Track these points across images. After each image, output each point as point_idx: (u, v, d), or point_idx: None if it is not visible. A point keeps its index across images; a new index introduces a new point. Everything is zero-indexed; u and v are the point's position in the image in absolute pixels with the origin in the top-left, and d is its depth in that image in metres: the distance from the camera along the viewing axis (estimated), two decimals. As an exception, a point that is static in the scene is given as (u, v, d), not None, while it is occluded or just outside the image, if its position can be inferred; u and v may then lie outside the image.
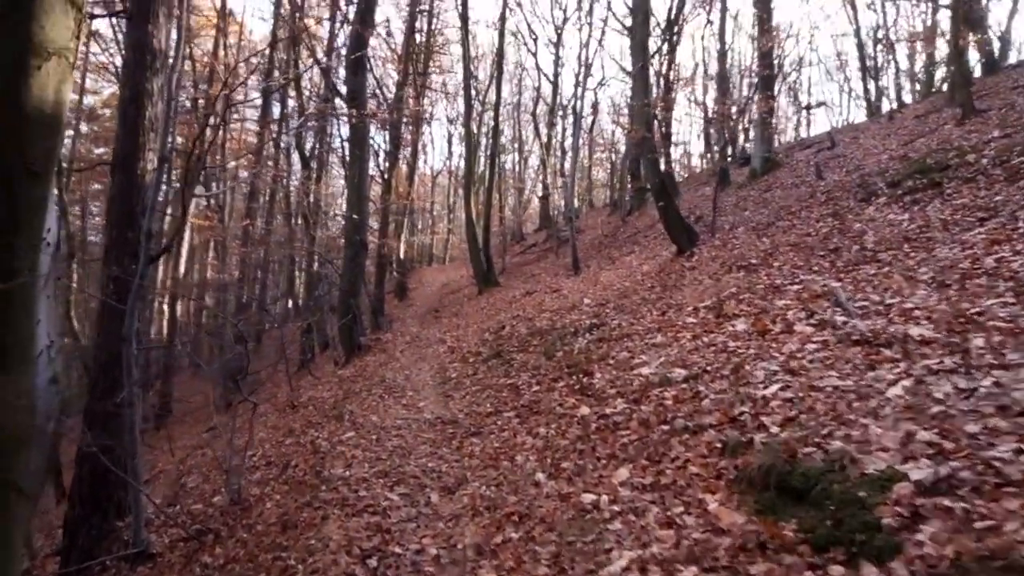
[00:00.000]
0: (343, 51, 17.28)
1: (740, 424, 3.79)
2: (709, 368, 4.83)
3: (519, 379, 7.13)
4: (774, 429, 3.55)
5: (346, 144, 19.62)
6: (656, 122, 14.62)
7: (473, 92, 23.29)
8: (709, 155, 27.36)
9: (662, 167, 16.47)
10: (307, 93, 24.05)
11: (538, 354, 7.90)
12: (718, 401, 4.16)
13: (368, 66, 16.11)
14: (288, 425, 9.95)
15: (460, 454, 5.29)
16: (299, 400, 12.21)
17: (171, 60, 6.34)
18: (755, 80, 23.12)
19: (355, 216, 13.84)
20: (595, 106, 30.58)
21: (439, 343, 12.97)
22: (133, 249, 6.39)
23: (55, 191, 4.43)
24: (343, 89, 16.08)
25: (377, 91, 24.13)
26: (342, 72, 17.44)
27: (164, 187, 6.96)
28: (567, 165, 32.84)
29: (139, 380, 6.10)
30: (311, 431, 8.16)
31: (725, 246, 11.04)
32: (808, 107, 15.73)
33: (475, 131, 25.56)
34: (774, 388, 4.04)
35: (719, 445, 3.66)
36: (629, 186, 25.46)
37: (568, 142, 33.47)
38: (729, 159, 17.79)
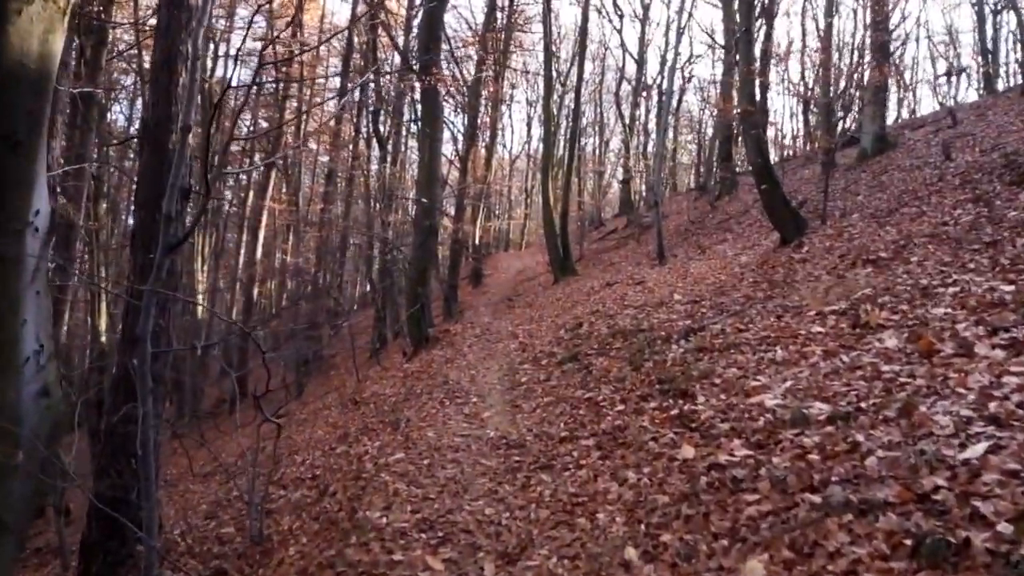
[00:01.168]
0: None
1: (937, 506, 2.54)
2: (863, 404, 3.55)
3: (599, 393, 5.99)
4: (1002, 527, 2.29)
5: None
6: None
7: (554, 73, 22.08)
8: (806, 135, 25.14)
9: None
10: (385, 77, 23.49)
11: (621, 361, 6.72)
12: (890, 462, 2.90)
13: (443, 37, 15.20)
14: (345, 426, 9.20)
15: (525, 496, 4.21)
16: (362, 396, 11.50)
17: (198, 12, 5.47)
18: (862, 51, 20.87)
19: (424, 200, 12.96)
20: (684, 83, 28.76)
21: (510, 337, 11.96)
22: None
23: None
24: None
25: (456, 72, 23.30)
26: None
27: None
28: (651, 146, 31.21)
29: (157, 389, 5.30)
30: (364, 439, 7.31)
31: (840, 236, 9.52)
32: (948, 74, 13.59)
33: (555, 113, 24.32)
34: (979, 448, 2.76)
35: (908, 541, 2.43)
36: (717, 169, 23.72)
37: (652, 123, 31.85)
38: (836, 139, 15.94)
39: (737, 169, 23.17)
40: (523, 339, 11.13)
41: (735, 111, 10.66)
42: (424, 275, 13.60)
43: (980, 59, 22.56)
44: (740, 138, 22.79)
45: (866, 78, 15.25)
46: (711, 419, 4.16)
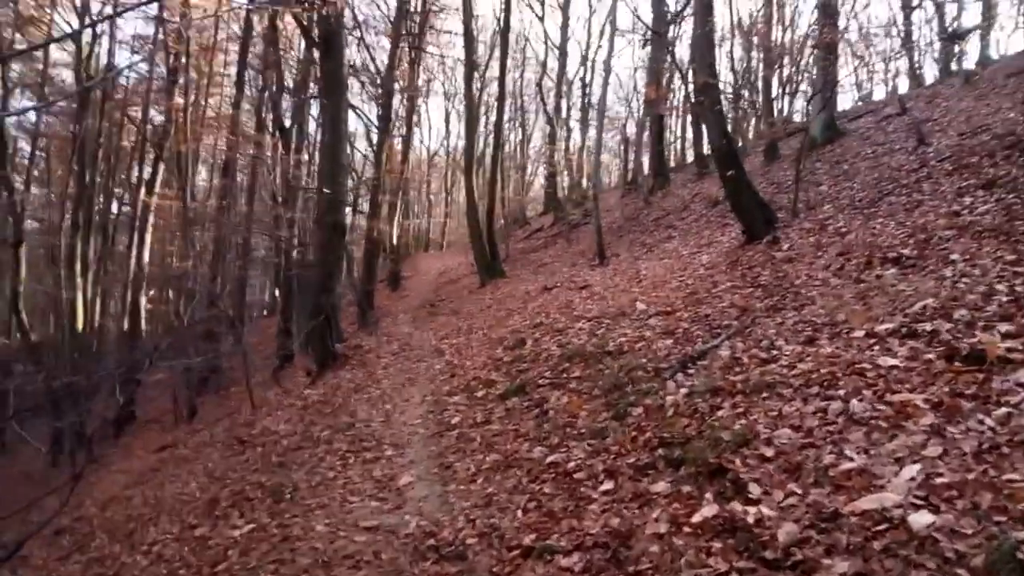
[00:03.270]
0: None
1: None
2: None
3: (568, 454, 4.14)
4: None
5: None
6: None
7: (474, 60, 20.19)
8: (734, 127, 24.37)
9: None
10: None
11: (591, 400, 4.91)
12: None
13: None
14: (223, 479, 7.04)
15: None
16: (251, 432, 9.28)
17: None
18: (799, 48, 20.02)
19: (327, 190, 10.78)
20: (606, 76, 27.52)
21: (435, 355, 9.98)
22: None
23: None
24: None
25: (368, 61, 21.09)
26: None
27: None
28: (574, 141, 29.86)
29: None
30: (234, 516, 5.21)
31: (823, 230, 8.13)
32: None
33: (476, 103, 22.47)
34: None
35: None
36: (646, 162, 22.62)
37: (575, 118, 30.46)
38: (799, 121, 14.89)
39: (670, 163, 22.11)
40: (451, 358, 9.19)
41: (690, 85, 9.08)
42: (329, 280, 11.39)
43: (904, 51, 22.25)
44: (660, 132, 21.61)
45: (809, 56, 14.20)
46: (800, 544, 2.37)
